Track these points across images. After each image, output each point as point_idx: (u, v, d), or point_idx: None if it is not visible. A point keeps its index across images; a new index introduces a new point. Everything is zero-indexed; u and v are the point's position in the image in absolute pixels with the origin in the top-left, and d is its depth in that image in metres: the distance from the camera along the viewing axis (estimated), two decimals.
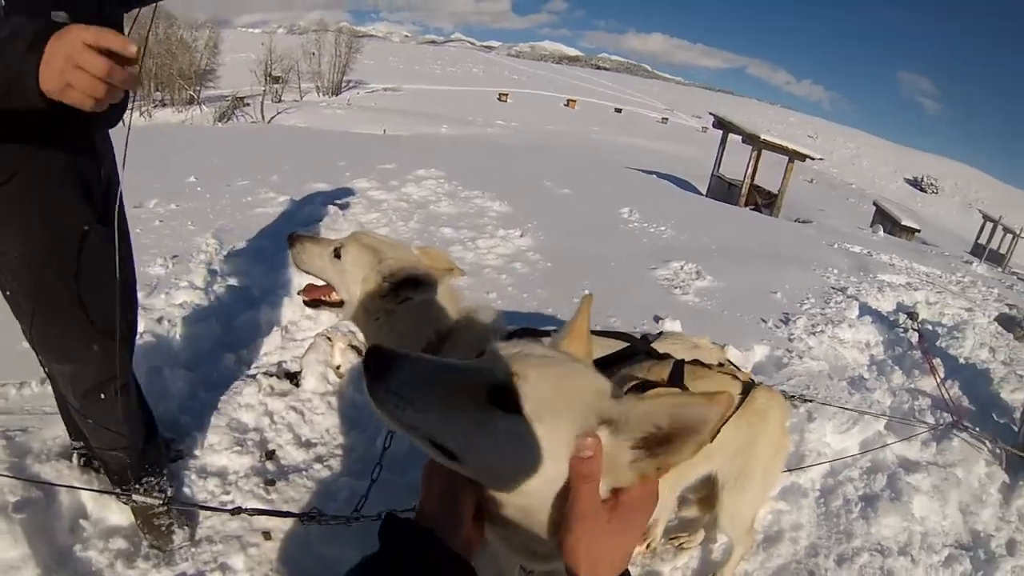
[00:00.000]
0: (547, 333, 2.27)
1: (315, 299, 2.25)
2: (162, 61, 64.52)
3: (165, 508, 2.44)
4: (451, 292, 2.20)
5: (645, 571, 2.70)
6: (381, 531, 0.90)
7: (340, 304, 2.20)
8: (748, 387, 2.09)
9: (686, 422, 0.89)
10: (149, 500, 2.40)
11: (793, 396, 3.18)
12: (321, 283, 2.25)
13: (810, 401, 3.30)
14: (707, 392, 0.88)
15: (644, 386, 1.75)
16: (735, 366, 2.51)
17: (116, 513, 2.50)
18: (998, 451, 3.95)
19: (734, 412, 1.95)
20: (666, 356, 2.16)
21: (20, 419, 2.84)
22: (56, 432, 2.72)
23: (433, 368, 0.93)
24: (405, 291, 2.06)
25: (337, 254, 2.15)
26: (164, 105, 63.65)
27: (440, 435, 0.91)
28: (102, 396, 2.20)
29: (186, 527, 2.49)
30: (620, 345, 2.23)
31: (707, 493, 2.27)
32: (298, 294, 2.32)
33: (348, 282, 2.14)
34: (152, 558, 2.38)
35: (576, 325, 1.15)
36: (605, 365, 2.05)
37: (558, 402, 0.90)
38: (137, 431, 2.42)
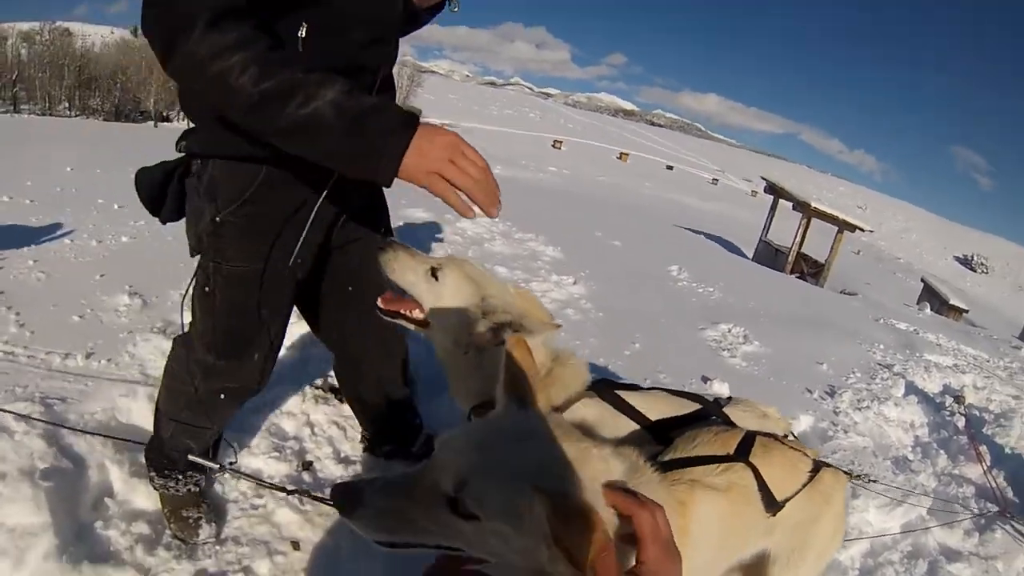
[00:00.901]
0: (625, 387, 2.30)
1: (395, 311, 2.16)
2: None
3: (196, 499, 2.47)
4: (544, 339, 2.10)
5: None
6: None
7: (423, 324, 2.13)
8: (818, 465, 2.06)
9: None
10: (208, 463, 2.46)
11: (859, 476, 3.18)
12: (402, 295, 2.17)
13: (874, 481, 3.29)
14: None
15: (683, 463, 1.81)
16: (794, 436, 2.52)
17: (143, 497, 2.49)
18: None
19: (801, 489, 1.96)
20: (733, 425, 2.21)
21: (61, 387, 2.88)
22: (94, 408, 2.76)
23: (392, 492, 1.00)
24: (506, 333, 1.97)
25: (435, 275, 2.08)
26: None
27: (428, 541, 1.01)
28: (223, 397, 2.29)
29: (213, 523, 2.47)
30: (692, 406, 2.28)
31: (754, 564, 2.28)
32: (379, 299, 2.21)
33: (442, 307, 2.08)
34: (174, 548, 2.34)
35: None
36: (676, 425, 2.13)
37: (512, 499, 0.93)
38: (218, 434, 2.55)
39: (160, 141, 13.96)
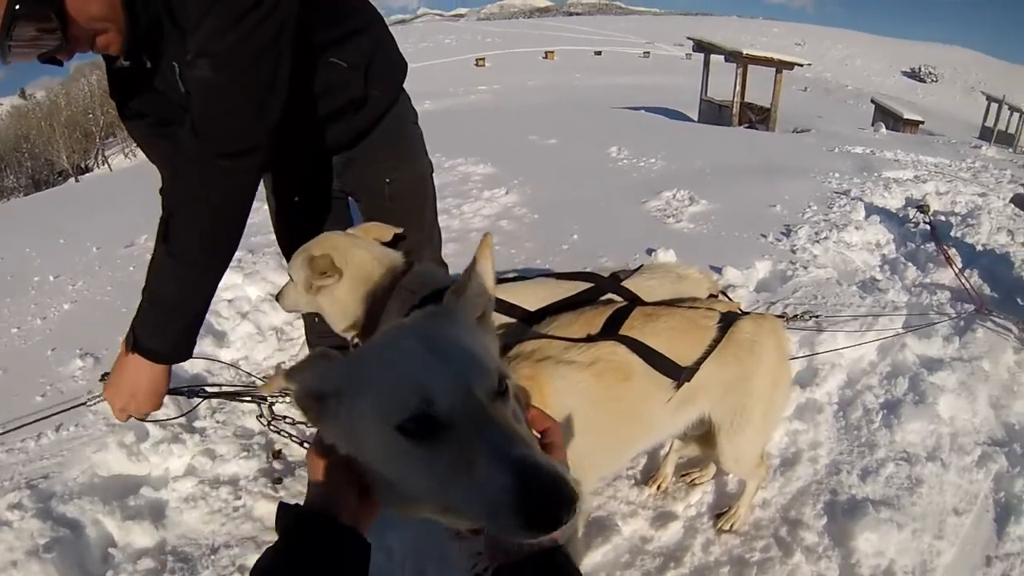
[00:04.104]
0: (503, 280, 2.19)
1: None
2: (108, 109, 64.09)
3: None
4: (381, 262, 2.23)
5: (658, 512, 2.55)
6: (277, 521, 0.99)
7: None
8: (729, 318, 1.89)
9: None
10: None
11: (795, 316, 2.95)
12: None
13: (816, 316, 3.06)
14: None
15: None
16: (725, 295, 2.33)
17: (139, 535, 2.59)
18: None
19: (714, 348, 1.81)
20: (632, 297, 2.03)
21: (41, 467, 2.96)
22: (75, 472, 2.86)
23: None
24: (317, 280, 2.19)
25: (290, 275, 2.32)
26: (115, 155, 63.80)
27: None
28: None
29: None
30: (583, 287, 2.08)
31: (706, 432, 2.08)
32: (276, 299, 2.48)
33: (299, 292, 2.29)
34: (177, 571, 2.45)
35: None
36: (558, 311, 1.89)
37: None
38: None
39: (83, 194, 13.47)
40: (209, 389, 2.89)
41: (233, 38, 1.64)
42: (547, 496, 0.75)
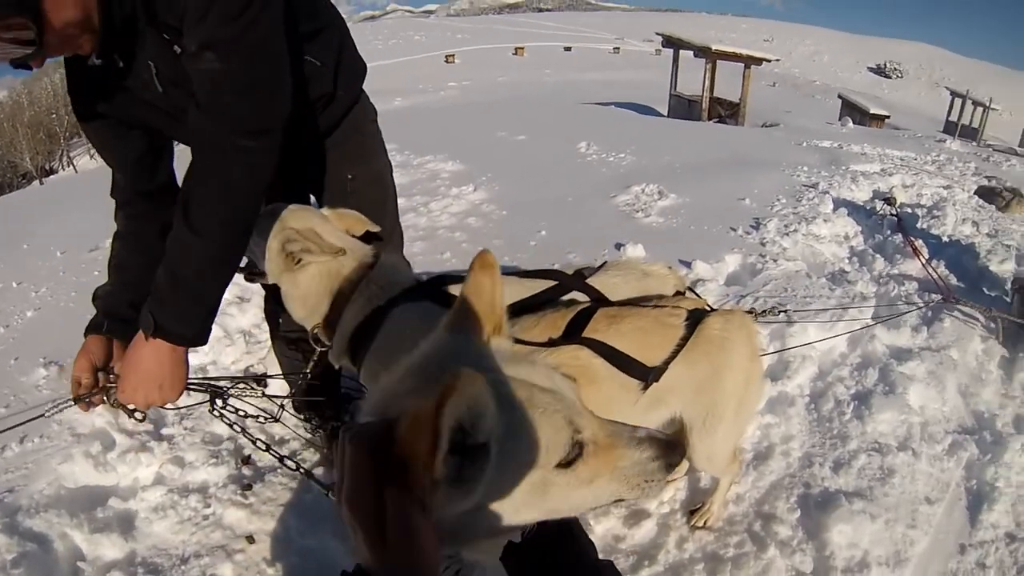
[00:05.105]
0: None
1: (249, 272, 2.28)
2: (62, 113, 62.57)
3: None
4: (353, 254, 2.15)
5: (631, 510, 2.53)
6: None
7: (262, 274, 2.23)
8: (697, 315, 1.86)
9: None
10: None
11: (764, 312, 2.95)
12: None
13: (784, 311, 3.07)
14: None
15: None
16: (693, 292, 2.30)
17: (109, 548, 2.55)
18: (993, 324, 3.79)
19: (682, 346, 1.77)
20: (598, 296, 1.98)
21: (5, 480, 2.89)
22: (41, 485, 2.81)
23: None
24: (301, 256, 2.10)
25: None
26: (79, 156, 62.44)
27: None
28: None
29: None
30: (547, 285, 2.03)
31: (677, 431, 2.05)
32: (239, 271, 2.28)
33: (259, 253, 2.17)
34: None
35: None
36: (522, 311, 1.83)
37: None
38: None
39: (48, 197, 12.94)
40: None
41: (237, 28, 1.62)
42: (674, 450, 0.94)
